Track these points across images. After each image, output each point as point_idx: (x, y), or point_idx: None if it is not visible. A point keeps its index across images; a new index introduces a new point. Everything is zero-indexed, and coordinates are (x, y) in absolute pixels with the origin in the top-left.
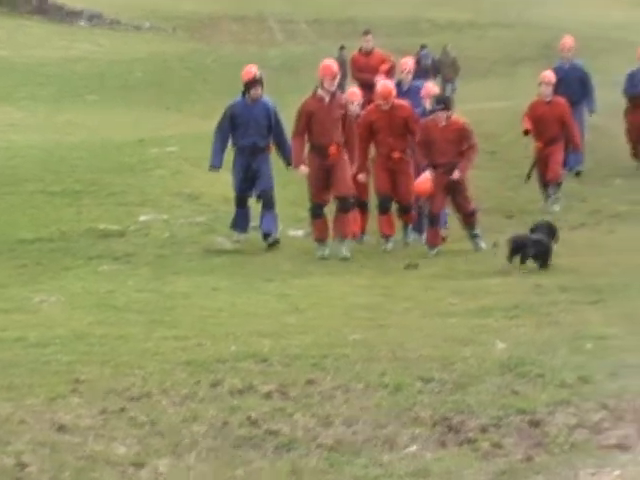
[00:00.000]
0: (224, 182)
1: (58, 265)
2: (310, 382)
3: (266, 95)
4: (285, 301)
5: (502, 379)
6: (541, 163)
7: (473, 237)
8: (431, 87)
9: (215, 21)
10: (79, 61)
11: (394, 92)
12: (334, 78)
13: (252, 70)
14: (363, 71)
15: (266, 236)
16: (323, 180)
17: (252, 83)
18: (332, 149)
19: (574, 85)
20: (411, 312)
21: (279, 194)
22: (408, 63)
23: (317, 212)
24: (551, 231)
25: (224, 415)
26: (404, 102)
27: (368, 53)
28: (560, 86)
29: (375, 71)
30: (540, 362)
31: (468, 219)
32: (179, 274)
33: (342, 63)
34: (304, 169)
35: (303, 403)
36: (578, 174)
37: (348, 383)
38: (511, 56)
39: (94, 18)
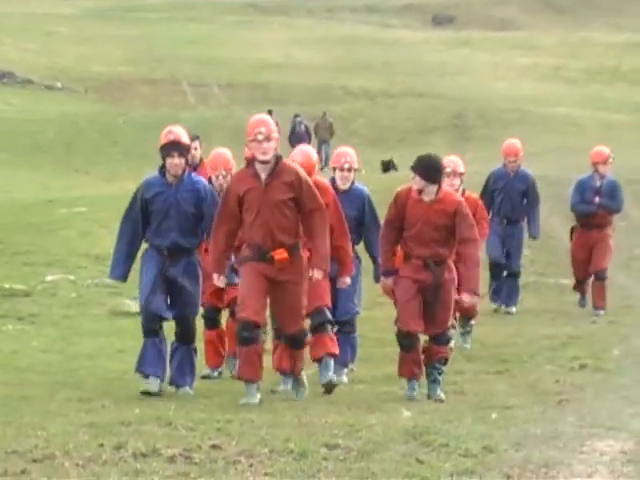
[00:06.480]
0: None
1: None
2: (215, 447)
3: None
4: None
5: (407, 447)
6: None
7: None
8: None
9: (126, 83)
10: None
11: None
12: (268, 139)
13: (173, 131)
14: None
15: (177, 387)
16: (263, 291)
17: (167, 148)
18: (278, 254)
19: (516, 199)
20: (317, 378)
21: None
22: None
23: (248, 336)
24: None
25: (127, 479)
26: None
27: (196, 166)
28: (498, 196)
29: None
30: (445, 431)
31: None
32: (84, 335)
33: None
34: (218, 279)
35: (207, 468)
36: (509, 313)
37: (253, 448)
38: (423, 126)
39: (5, 77)
